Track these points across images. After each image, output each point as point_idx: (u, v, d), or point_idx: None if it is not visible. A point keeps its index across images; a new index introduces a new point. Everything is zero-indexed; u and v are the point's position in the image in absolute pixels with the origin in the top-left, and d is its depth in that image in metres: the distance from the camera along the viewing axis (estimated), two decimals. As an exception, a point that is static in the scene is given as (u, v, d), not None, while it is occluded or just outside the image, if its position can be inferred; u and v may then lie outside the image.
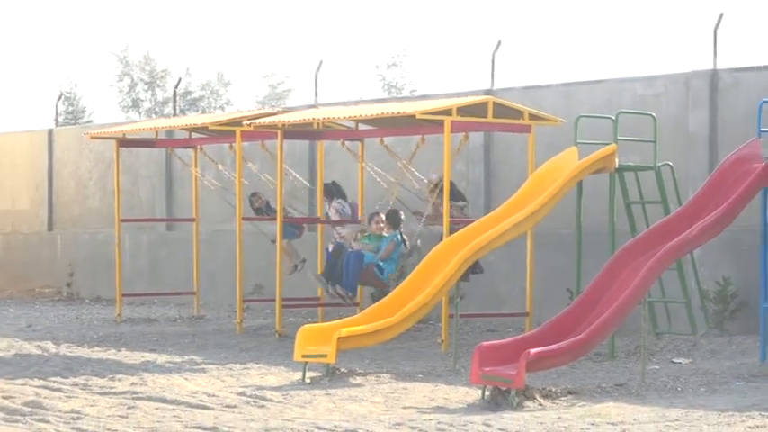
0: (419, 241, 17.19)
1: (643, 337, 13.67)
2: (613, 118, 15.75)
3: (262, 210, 20.12)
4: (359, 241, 17.48)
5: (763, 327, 14.35)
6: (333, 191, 19.09)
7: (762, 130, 14.57)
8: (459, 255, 14.76)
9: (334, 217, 18.87)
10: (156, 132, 21.90)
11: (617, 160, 15.50)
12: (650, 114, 16.21)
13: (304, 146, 21.52)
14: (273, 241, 18.81)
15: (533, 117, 16.57)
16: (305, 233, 20.09)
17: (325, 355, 13.80)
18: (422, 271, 15.01)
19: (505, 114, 16.46)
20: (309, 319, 18.64)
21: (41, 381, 13.45)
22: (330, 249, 18.49)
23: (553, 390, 12.31)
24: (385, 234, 17.13)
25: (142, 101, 61.48)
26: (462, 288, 16.07)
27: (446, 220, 16.08)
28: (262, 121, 18.21)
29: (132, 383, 13.26)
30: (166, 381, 13.48)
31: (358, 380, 13.61)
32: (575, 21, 67.67)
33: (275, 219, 18.61)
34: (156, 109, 59.79)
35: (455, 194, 16.92)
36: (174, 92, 27.64)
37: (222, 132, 19.54)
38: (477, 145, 18.88)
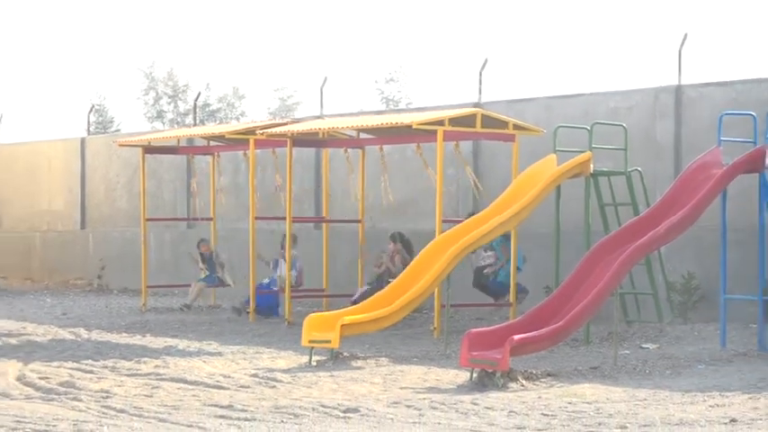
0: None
1: (615, 325, 13.68)
2: (588, 128, 15.75)
3: (204, 256, 20.28)
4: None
5: (722, 316, 14.38)
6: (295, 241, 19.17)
7: (722, 139, 14.58)
8: (450, 251, 14.75)
9: (284, 265, 18.77)
10: (178, 140, 21.89)
11: (592, 166, 15.50)
12: (622, 125, 16.21)
13: (311, 153, 21.51)
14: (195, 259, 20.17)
15: (517, 127, 16.56)
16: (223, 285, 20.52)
17: (329, 341, 13.79)
18: (417, 265, 15.02)
19: (492, 125, 16.46)
20: (315, 309, 18.61)
21: (74, 363, 13.44)
22: (266, 282, 18.69)
23: (534, 372, 12.30)
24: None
25: (165, 112, 61.36)
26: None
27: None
28: (273, 130, 18.21)
29: (156, 366, 13.25)
30: (187, 364, 13.47)
31: (359, 363, 13.60)
32: (554, 41, 67.63)
33: (213, 269, 19.80)
34: (178, 119, 59.68)
35: (408, 249, 17.74)
36: (195, 104, 27.59)
37: (237, 141, 19.54)
38: (466, 152, 18.86)
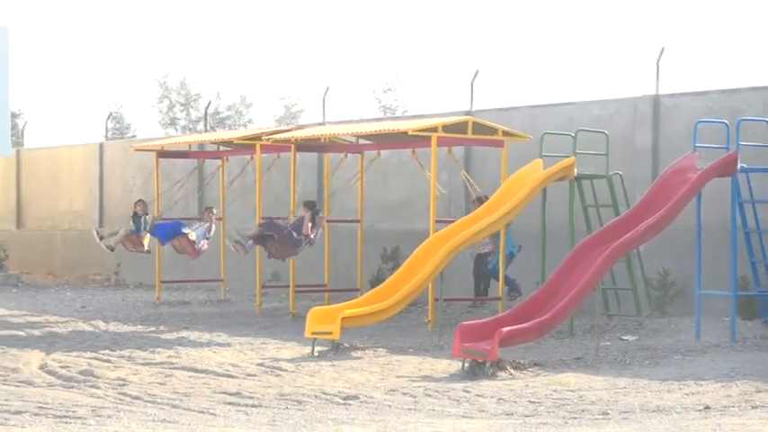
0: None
1: (597, 318, 13.69)
2: (572, 135, 15.76)
3: (138, 215, 19.75)
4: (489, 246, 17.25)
5: (697, 310, 14.39)
6: (212, 212, 19.43)
7: (697, 145, 14.61)
8: (444, 248, 14.75)
9: (201, 232, 19.00)
10: (190, 145, 21.87)
11: (575, 170, 15.51)
12: (603, 132, 16.22)
13: (313, 157, 21.50)
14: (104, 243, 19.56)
15: (506, 134, 16.55)
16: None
17: (330, 333, 13.79)
18: (412, 262, 15.01)
19: (482, 131, 16.45)
20: (318, 302, 18.60)
21: (93, 353, 13.44)
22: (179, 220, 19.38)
23: (522, 362, 12.31)
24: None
25: (178, 119, 61.29)
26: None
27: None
28: (278, 136, 18.23)
29: (169, 356, 13.25)
30: (198, 354, 13.47)
31: (358, 353, 13.59)
32: (541, 53, 67.69)
33: (139, 228, 19.42)
34: (190, 126, 59.59)
35: (316, 211, 17.53)
36: (205, 112, 27.58)
37: (245, 146, 19.52)
38: (458, 157, 18.85)
